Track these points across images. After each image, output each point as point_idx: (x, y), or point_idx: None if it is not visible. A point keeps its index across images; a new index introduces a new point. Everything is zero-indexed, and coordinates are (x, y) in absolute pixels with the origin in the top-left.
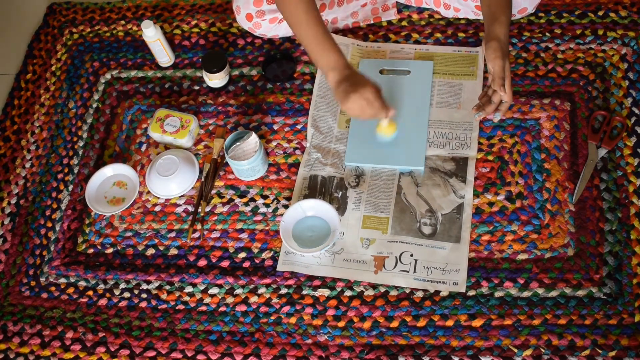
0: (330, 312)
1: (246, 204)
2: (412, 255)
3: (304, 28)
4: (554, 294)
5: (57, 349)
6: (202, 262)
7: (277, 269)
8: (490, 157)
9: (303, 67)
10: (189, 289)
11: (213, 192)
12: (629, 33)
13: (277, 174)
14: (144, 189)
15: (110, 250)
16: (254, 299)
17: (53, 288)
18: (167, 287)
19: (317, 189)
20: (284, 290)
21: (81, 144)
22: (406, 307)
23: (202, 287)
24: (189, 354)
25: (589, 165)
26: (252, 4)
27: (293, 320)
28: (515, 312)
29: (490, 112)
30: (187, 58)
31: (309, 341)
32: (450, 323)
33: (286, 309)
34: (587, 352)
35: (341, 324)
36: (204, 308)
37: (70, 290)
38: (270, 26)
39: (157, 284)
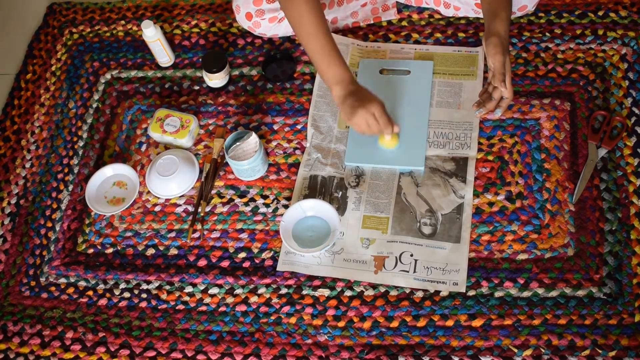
0: (330, 312)
1: (246, 204)
2: (412, 255)
3: (311, 40)
4: (554, 294)
5: (57, 349)
6: (202, 262)
7: (277, 269)
8: (490, 157)
9: (303, 67)
10: (189, 289)
11: (213, 192)
12: (629, 33)
13: (277, 174)
14: (144, 189)
15: (110, 250)
16: (254, 299)
17: (53, 288)
18: (167, 287)
19: (317, 189)
20: (284, 290)
21: (81, 144)
22: (406, 307)
23: (202, 287)
24: (189, 354)
25: (589, 165)
26: (252, 3)
27: (293, 320)
28: (515, 312)
29: (491, 108)
30: (187, 58)
31: (309, 341)
32: (450, 323)
33: (286, 309)
34: (587, 352)
35: (341, 324)
36: (204, 308)
37: (70, 290)
38: (269, 25)
39: (157, 284)
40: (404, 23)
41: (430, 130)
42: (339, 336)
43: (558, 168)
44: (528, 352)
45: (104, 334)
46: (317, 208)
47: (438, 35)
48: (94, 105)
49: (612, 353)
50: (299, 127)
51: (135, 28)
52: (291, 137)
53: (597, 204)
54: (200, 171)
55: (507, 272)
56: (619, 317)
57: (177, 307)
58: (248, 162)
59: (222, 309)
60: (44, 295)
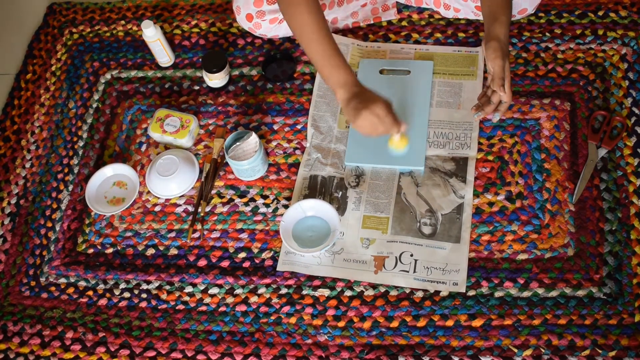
0: (330, 312)
1: (246, 204)
2: (412, 255)
3: (313, 45)
4: (554, 294)
5: (57, 349)
6: (202, 262)
7: (277, 269)
8: (490, 157)
9: (303, 67)
10: (189, 289)
11: (213, 192)
12: (629, 33)
13: (277, 174)
14: (144, 189)
15: (110, 250)
16: (254, 299)
17: (53, 288)
18: (167, 287)
19: (317, 189)
20: (284, 290)
21: (81, 144)
22: (406, 307)
23: (202, 287)
24: (189, 354)
25: (589, 165)
26: (253, 4)
27: (293, 320)
28: (515, 312)
29: (489, 112)
30: (187, 58)
31: (309, 341)
32: (450, 323)
33: (286, 309)
34: (587, 352)
35: (341, 324)
36: (204, 308)
37: (70, 290)
38: (270, 26)
39: (157, 284)
40: (404, 23)
41: (430, 130)
42: (339, 336)
43: (558, 168)
44: (528, 352)
45: (104, 334)
46: (317, 208)
47: (438, 35)
48: (94, 105)
49: (612, 353)
50: (299, 127)
51: (135, 28)
52: (291, 137)
53: (597, 204)
54: (200, 171)
55: (507, 272)
56: (619, 317)
57: (177, 307)
58: (248, 162)
59: (222, 309)
60: (44, 295)
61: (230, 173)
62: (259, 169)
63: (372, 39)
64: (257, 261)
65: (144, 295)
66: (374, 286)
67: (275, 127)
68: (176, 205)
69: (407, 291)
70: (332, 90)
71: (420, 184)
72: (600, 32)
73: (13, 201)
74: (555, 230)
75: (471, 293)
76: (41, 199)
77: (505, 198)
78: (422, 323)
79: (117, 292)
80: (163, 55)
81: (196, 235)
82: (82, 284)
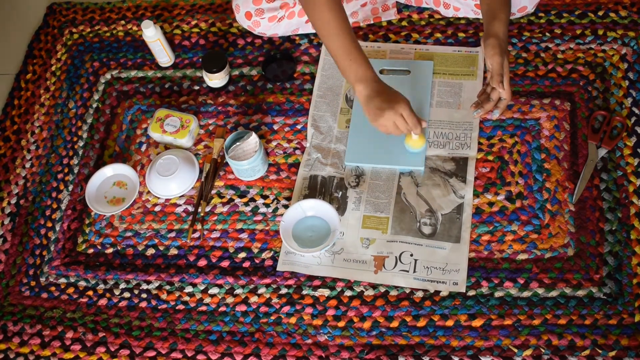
0: (330, 312)
1: (246, 204)
2: (412, 255)
3: (332, 39)
4: (554, 294)
5: (57, 349)
6: (202, 262)
7: (277, 269)
8: (490, 157)
9: (303, 67)
10: (189, 289)
11: (213, 192)
12: (629, 33)
13: (277, 174)
14: (144, 189)
15: (110, 250)
16: (254, 299)
17: (53, 288)
18: (167, 287)
19: (317, 189)
20: (284, 290)
21: (81, 144)
22: (406, 307)
23: (202, 287)
24: (189, 354)
25: (589, 165)
26: (252, 3)
27: (293, 320)
28: (515, 312)
29: (489, 109)
30: (187, 58)
31: (309, 341)
32: (450, 323)
33: (286, 309)
34: (587, 352)
35: (341, 324)
36: (204, 308)
37: (70, 290)
38: (269, 25)
39: (157, 284)
40: (404, 23)
41: (430, 130)
42: (339, 336)
43: (558, 168)
44: (528, 352)
45: (104, 334)
46: (317, 208)
47: (438, 35)
48: (94, 105)
49: (612, 353)
50: (299, 127)
51: (135, 28)
52: (291, 137)
53: (597, 204)
54: (200, 171)
55: (507, 272)
56: (619, 317)
57: (177, 307)
58: (248, 162)
59: (222, 309)
60: (44, 295)
61: (230, 173)
62: (259, 169)
63: (372, 39)
64: (257, 261)
65: (144, 295)
66: (374, 286)
67: (275, 127)
68: (176, 205)
69: (407, 291)
70: (351, 86)
71: (420, 184)
72: (600, 32)
73: (13, 201)
74: (555, 230)
75: (471, 293)
76: (41, 199)
77: (505, 198)
78: (422, 323)
79: (117, 292)
80: (163, 55)
81: (196, 235)
82: (82, 284)
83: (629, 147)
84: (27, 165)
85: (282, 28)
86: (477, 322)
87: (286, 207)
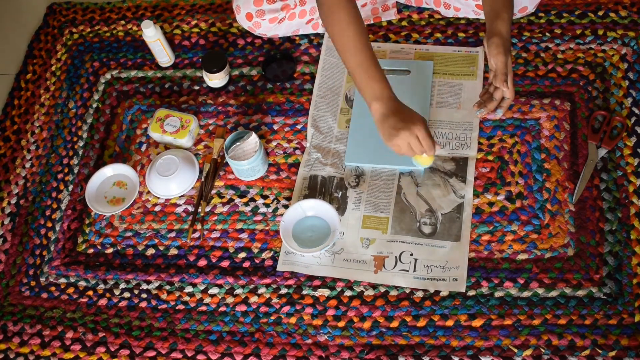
0: (330, 312)
1: (246, 204)
2: (412, 255)
3: (350, 54)
4: (554, 294)
5: (57, 349)
6: (202, 262)
7: (277, 269)
8: (490, 157)
9: (303, 67)
10: (189, 289)
11: (213, 192)
12: (629, 33)
13: (277, 174)
14: (144, 189)
15: (110, 250)
16: (254, 299)
17: (53, 288)
18: (167, 287)
19: (317, 189)
20: (284, 290)
21: (81, 144)
22: (406, 307)
23: (202, 287)
24: (189, 354)
25: (589, 165)
26: (252, 4)
27: (293, 320)
28: (515, 312)
29: (491, 108)
30: (187, 58)
31: (309, 341)
32: (450, 323)
33: (286, 309)
34: (587, 352)
35: (341, 324)
36: (204, 308)
37: (70, 290)
38: (270, 26)
39: (157, 284)
40: (404, 23)
41: (430, 130)
42: (339, 336)
43: (558, 168)
44: (528, 352)
45: (104, 334)
46: (317, 208)
47: (438, 35)
48: (94, 105)
49: (612, 353)
50: (299, 127)
51: (135, 28)
52: (291, 137)
53: (597, 204)
54: (200, 171)
55: (507, 272)
56: (619, 317)
57: (177, 307)
58: (248, 162)
59: (222, 309)
60: (44, 295)
61: (230, 173)
62: (259, 169)
63: (372, 39)
64: (257, 261)
65: (144, 295)
66: (374, 286)
67: (275, 127)
68: (176, 205)
69: (407, 291)
70: (366, 103)
71: (420, 184)
72: (600, 32)
73: (13, 201)
74: (555, 230)
75: (471, 293)
76: (41, 199)
77: (505, 198)
78: (422, 323)
79: (117, 292)
80: (163, 55)
81: (196, 235)
82: (82, 284)
83: (629, 147)
84: (27, 165)
85: (282, 29)
86: (477, 322)
87: (286, 207)
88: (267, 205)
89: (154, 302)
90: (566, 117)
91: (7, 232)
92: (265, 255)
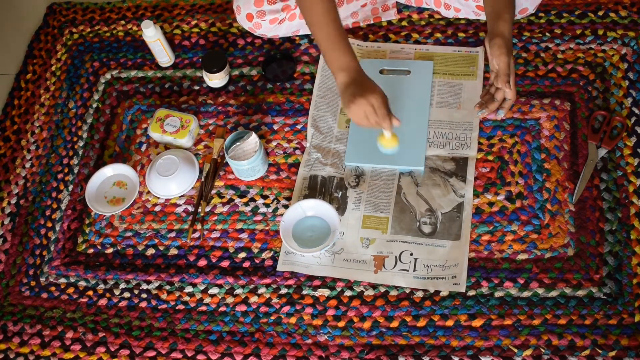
0: (330, 312)
1: (246, 204)
2: (412, 254)
3: (319, 27)
4: (554, 294)
5: (57, 349)
6: (202, 262)
7: (277, 269)
8: (490, 157)
9: (303, 67)
10: (189, 289)
11: (213, 192)
12: (629, 33)
13: (277, 174)
14: (144, 189)
15: (110, 250)
16: (254, 299)
17: (53, 288)
18: (167, 287)
19: (317, 189)
20: (284, 290)
21: (81, 144)
22: (406, 307)
23: (202, 287)
24: (189, 354)
25: (589, 165)
26: (253, 4)
27: (293, 320)
28: (515, 312)
29: (493, 109)
30: (187, 58)
31: (309, 341)
32: (450, 323)
33: (286, 309)
34: (587, 352)
35: (341, 324)
36: (204, 308)
37: (70, 290)
38: (270, 26)
39: (157, 284)
40: (404, 23)
41: (430, 130)
42: (339, 336)
43: (558, 168)
44: (528, 352)
45: (104, 334)
46: (317, 208)
47: (438, 35)
48: (94, 105)
49: (612, 353)
50: (299, 127)
51: (135, 28)
52: (291, 137)
53: (597, 204)
54: (200, 171)
55: (507, 272)
56: (619, 317)
57: (177, 307)
58: (248, 162)
59: (222, 309)
60: (44, 295)
61: (230, 173)
62: (259, 169)
63: (372, 39)
64: (257, 261)
65: (144, 295)
66: (374, 286)
67: (275, 127)
68: (176, 205)
69: (407, 291)
70: (333, 74)
71: (420, 183)
72: (600, 32)
73: (13, 201)
74: (555, 230)
75: (471, 293)
76: (41, 199)
77: (505, 198)
78: (422, 323)
79: (117, 292)
80: (163, 55)
81: (196, 235)
82: (82, 284)
83: (629, 147)
84: (27, 165)
85: (283, 30)
86: (477, 322)
87: (286, 207)
88: (267, 205)
89: (154, 302)
90: (566, 117)
91: (7, 232)
92: (265, 255)
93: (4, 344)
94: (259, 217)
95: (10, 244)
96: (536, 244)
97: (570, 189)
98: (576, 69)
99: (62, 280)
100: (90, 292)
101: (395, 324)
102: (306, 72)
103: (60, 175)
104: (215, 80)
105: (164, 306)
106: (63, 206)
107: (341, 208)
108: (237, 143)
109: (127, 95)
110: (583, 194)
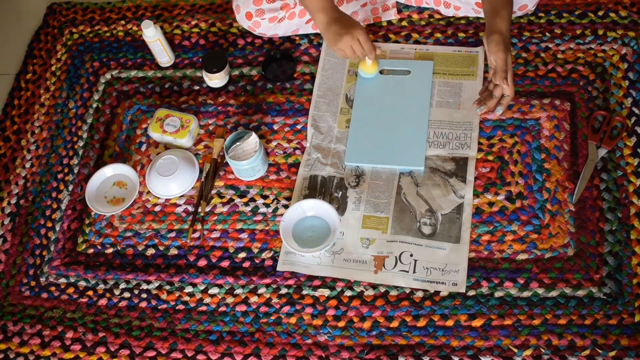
0: (330, 312)
1: (246, 204)
2: (411, 255)
3: None
4: (554, 294)
5: (57, 349)
6: (202, 262)
7: (277, 269)
8: (490, 157)
9: (303, 67)
10: (189, 289)
11: (213, 192)
12: (629, 33)
13: (277, 174)
14: (144, 189)
15: (110, 250)
16: (254, 299)
17: (53, 288)
18: (167, 287)
19: (317, 189)
20: (284, 290)
21: (81, 144)
22: (406, 307)
23: (202, 287)
24: (189, 354)
25: (589, 165)
26: (252, 3)
27: (293, 320)
28: (515, 312)
29: (492, 106)
30: (187, 58)
31: (309, 341)
32: (450, 323)
33: (286, 309)
34: (587, 352)
35: (341, 324)
36: (204, 308)
37: (70, 290)
38: (269, 25)
39: (157, 284)
40: (404, 23)
41: (430, 130)
42: (339, 336)
43: (558, 168)
44: (528, 352)
45: (104, 334)
46: (317, 208)
47: (438, 35)
48: (94, 105)
49: (612, 353)
50: (299, 127)
51: (135, 28)
52: (291, 137)
53: (597, 204)
54: (200, 171)
55: (507, 272)
56: (619, 317)
57: (177, 307)
58: (248, 162)
59: (222, 309)
60: (44, 295)
61: (230, 173)
62: (259, 169)
63: (372, 39)
64: (257, 261)
65: (144, 295)
66: (374, 286)
67: (275, 127)
68: (176, 205)
69: (407, 291)
70: (312, 17)
71: (420, 184)
72: (600, 32)
73: (13, 201)
74: (555, 230)
75: (471, 293)
76: (41, 199)
77: (505, 198)
78: (422, 323)
79: (117, 292)
80: (163, 55)
81: (196, 235)
82: (82, 284)
83: (629, 147)
84: (27, 165)
85: (282, 29)
86: (477, 322)
87: (286, 207)
88: (267, 205)
89: (154, 302)
90: (566, 117)
91: (7, 232)
92: (265, 255)
93: (4, 344)
94: (259, 217)
95: (10, 244)
96: (536, 244)
97: (570, 189)
98: (576, 69)
99: (62, 280)
100: (90, 292)
101: (395, 324)
102: (306, 72)
103: (60, 175)
104: (215, 80)
105: (164, 306)
106: (63, 206)
107: (341, 208)
108: (237, 143)
109: (127, 95)
110: (583, 194)
